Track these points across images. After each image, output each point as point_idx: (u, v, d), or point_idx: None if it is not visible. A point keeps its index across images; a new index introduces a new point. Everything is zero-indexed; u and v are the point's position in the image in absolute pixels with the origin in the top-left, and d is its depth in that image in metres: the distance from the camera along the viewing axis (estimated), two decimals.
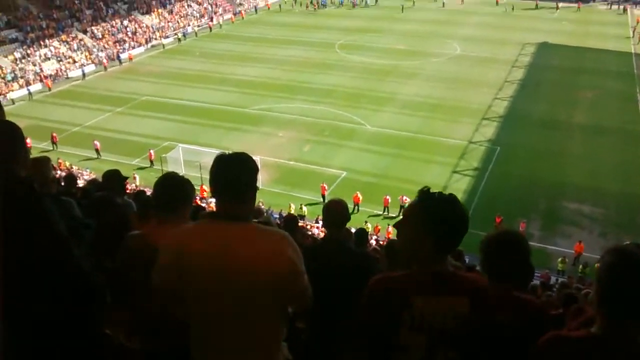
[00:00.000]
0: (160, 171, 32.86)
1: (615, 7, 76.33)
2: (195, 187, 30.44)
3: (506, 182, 32.79)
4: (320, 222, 25.80)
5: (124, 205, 6.34)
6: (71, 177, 9.98)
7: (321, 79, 49.65)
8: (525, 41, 60.23)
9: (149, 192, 10.94)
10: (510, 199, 30.92)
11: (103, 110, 43.62)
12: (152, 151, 35.09)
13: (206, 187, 29.05)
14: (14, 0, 57.32)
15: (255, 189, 3.02)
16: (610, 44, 59.46)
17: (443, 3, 78.90)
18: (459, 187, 31.75)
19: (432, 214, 2.75)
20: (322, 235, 19.06)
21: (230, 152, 3.02)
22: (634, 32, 63.28)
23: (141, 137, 38.57)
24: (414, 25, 67.55)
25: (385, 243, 5.69)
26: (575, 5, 76.09)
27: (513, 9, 74.58)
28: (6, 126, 3.03)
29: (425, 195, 2.84)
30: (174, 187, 3.88)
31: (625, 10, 74.85)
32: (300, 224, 17.82)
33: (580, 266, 25.07)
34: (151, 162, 34.72)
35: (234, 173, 2.92)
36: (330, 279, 4.13)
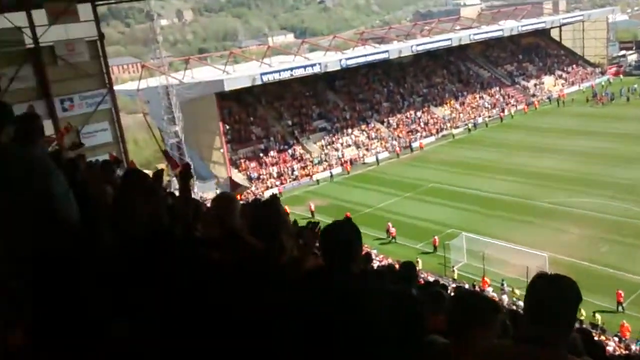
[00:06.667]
0: (443, 257, 32.66)
1: None
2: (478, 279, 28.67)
3: None
4: None
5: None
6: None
7: (625, 173, 44.48)
8: None
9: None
10: None
11: (393, 195, 45.91)
12: (436, 237, 35.22)
13: (487, 279, 27.87)
14: (326, 95, 65.29)
15: (574, 319, 2.75)
16: None
17: None
18: None
19: None
20: None
21: (552, 273, 2.81)
22: None
23: (426, 222, 39.17)
24: None
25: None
26: None
27: None
28: None
29: None
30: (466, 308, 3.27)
31: None
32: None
33: None
34: (435, 247, 34.85)
35: (553, 298, 2.65)
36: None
